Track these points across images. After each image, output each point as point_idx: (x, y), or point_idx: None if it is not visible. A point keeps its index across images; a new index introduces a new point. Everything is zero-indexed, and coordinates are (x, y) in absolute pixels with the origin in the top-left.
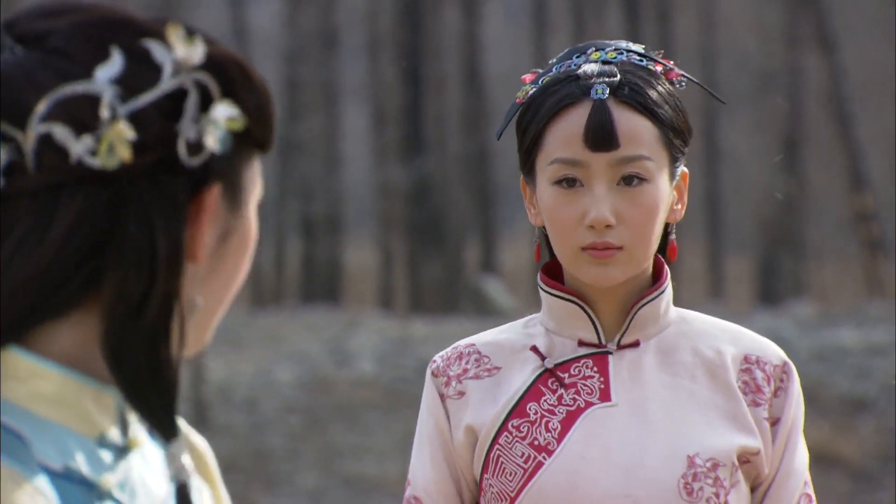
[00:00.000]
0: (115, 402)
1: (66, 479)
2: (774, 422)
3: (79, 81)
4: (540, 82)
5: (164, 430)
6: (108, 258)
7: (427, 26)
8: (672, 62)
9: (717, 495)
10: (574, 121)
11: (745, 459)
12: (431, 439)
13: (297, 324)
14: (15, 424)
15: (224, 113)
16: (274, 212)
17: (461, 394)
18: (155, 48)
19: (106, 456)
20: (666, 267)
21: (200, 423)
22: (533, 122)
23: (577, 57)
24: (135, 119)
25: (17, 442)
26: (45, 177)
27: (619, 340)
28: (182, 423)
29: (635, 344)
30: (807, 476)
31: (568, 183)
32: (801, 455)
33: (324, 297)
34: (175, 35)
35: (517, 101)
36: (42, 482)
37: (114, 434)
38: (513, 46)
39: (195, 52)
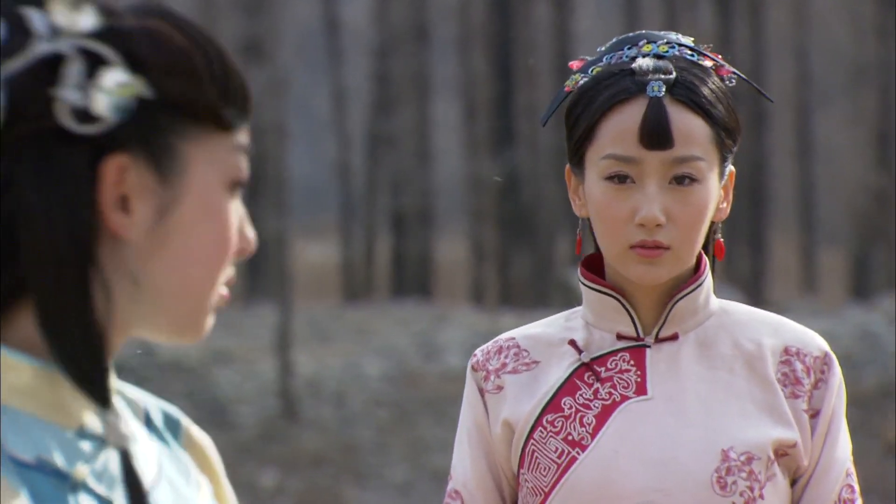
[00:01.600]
0: None
1: (37, 470)
2: (814, 414)
3: None
4: (590, 72)
5: (97, 398)
6: (20, 231)
7: (518, 19)
8: (720, 57)
9: (752, 489)
10: (629, 117)
11: (783, 452)
12: (471, 434)
13: (386, 318)
14: None
15: (114, 80)
16: (364, 206)
17: (499, 388)
18: (31, 15)
19: (85, 447)
20: (705, 259)
21: (289, 417)
22: (585, 114)
23: (629, 48)
24: (9, 85)
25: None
26: None
27: (657, 334)
28: (179, 415)
29: (674, 337)
30: (849, 466)
31: (619, 179)
32: (843, 446)
33: (414, 291)
34: (60, 3)
35: (566, 89)
36: (6, 474)
37: (94, 425)
38: (604, 39)
39: (81, 19)
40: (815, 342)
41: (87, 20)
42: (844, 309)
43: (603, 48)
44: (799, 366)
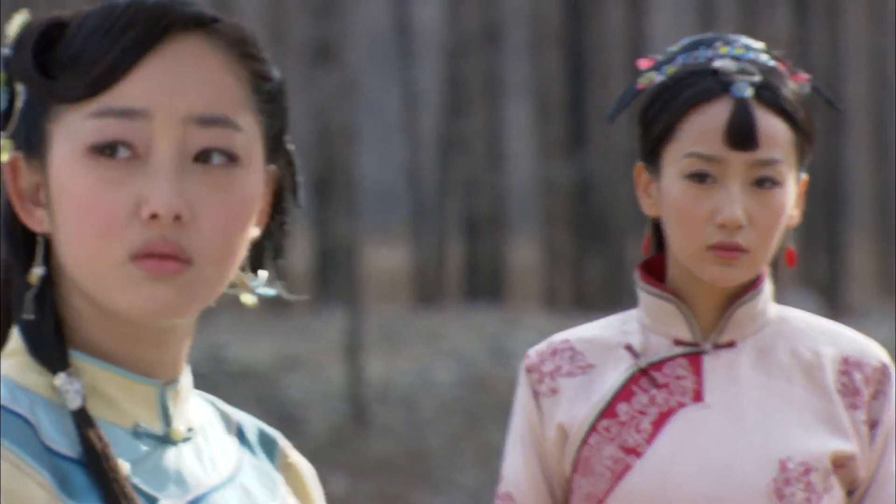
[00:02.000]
0: (156, 393)
1: (76, 463)
2: (873, 425)
3: None
4: (664, 71)
5: (48, 363)
6: None
7: (591, 21)
8: (790, 63)
9: (809, 500)
10: (713, 116)
11: (841, 464)
12: (524, 436)
13: (457, 322)
14: (22, 409)
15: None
16: (435, 209)
17: (554, 391)
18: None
19: (136, 444)
20: (765, 266)
21: (359, 423)
22: (664, 112)
23: (704, 49)
24: None
25: (24, 427)
26: None
27: (715, 340)
28: (278, 437)
29: (731, 344)
30: None
31: (701, 178)
32: None
33: (485, 296)
34: None
35: (639, 87)
36: (40, 470)
37: (151, 424)
38: (679, 41)
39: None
40: (874, 352)
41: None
42: None
43: (674, 48)
44: (858, 376)
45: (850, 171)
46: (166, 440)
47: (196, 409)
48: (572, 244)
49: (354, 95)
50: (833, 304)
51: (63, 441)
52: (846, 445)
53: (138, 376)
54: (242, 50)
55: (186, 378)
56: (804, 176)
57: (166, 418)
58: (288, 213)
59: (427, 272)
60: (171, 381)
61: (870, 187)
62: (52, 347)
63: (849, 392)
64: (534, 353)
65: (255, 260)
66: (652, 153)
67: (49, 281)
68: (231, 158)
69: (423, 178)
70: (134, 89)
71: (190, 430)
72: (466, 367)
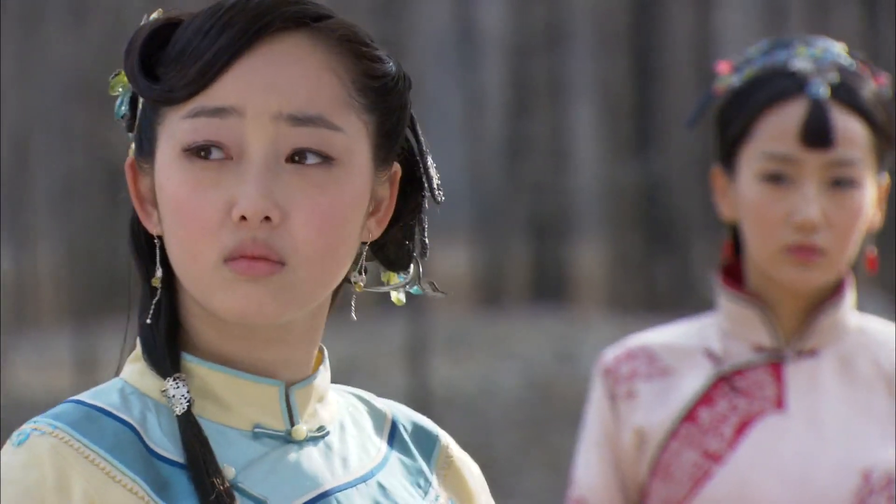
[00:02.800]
0: (279, 393)
1: (180, 466)
2: None
3: None
4: (741, 74)
5: (157, 368)
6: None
7: (659, 21)
8: (871, 65)
9: None
10: (789, 116)
11: None
12: (598, 440)
13: (523, 326)
14: (131, 415)
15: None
16: (500, 211)
17: (631, 395)
18: None
19: (251, 447)
20: (849, 273)
21: None
22: (740, 113)
23: (782, 51)
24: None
25: (122, 432)
26: None
27: (797, 347)
28: (441, 434)
29: (813, 352)
30: None
31: (776, 179)
32: None
33: (552, 299)
34: None
35: (716, 91)
36: (134, 476)
37: (274, 424)
38: (747, 42)
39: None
40: None
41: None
42: None
43: (752, 51)
44: None
45: None
46: (289, 440)
47: (334, 406)
48: (639, 247)
49: (418, 96)
50: None
51: (170, 446)
52: None
53: (258, 377)
54: (349, 48)
55: (321, 377)
56: (885, 178)
57: (292, 418)
58: (420, 210)
59: (491, 275)
60: (298, 380)
61: None
62: (163, 352)
63: None
64: (610, 356)
65: (397, 258)
66: (728, 155)
67: (166, 284)
68: (326, 158)
69: (488, 179)
70: (226, 88)
71: (321, 428)
72: (532, 371)
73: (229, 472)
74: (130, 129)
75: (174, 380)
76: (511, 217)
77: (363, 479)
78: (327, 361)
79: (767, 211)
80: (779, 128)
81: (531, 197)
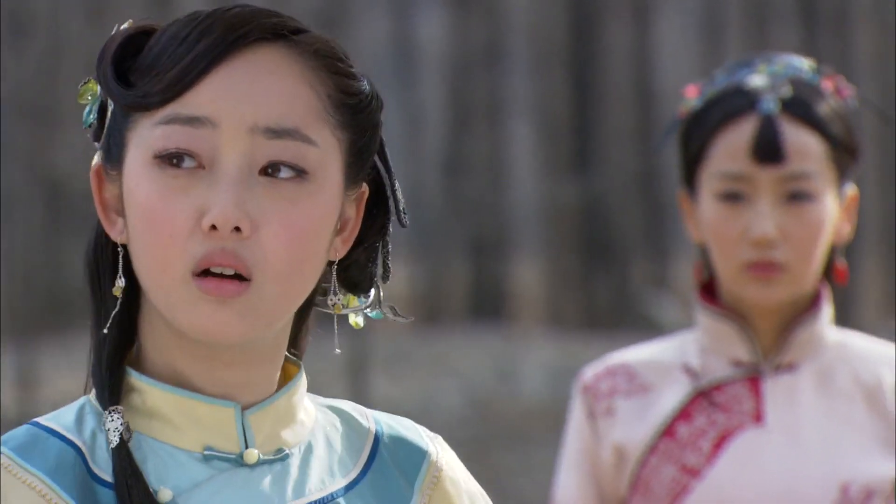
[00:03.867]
0: (234, 415)
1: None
2: None
3: None
4: (704, 95)
5: (99, 399)
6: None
7: (596, 39)
8: (842, 77)
9: None
10: (740, 134)
11: None
12: (578, 458)
13: (462, 344)
14: (80, 436)
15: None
16: (440, 229)
17: (610, 411)
18: None
19: (200, 469)
20: (826, 287)
21: None
22: (697, 135)
23: (744, 70)
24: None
25: (67, 454)
26: None
27: (775, 361)
28: (433, 451)
29: (791, 366)
30: None
31: (732, 197)
32: None
33: (490, 317)
34: None
35: (679, 115)
36: (69, 500)
37: (227, 446)
38: (685, 60)
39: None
40: None
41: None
42: None
43: (718, 72)
44: None
45: (864, 190)
46: (241, 463)
47: (307, 425)
48: (578, 265)
49: None
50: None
51: (111, 468)
52: None
53: (213, 399)
54: (325, 63)
55: (285, 396)
56: (853, 190)
57: (245, 441)
58: (385, 233)
59: (431, 292)
60: (258, 401)
61: (877, 208)
62: (104, 381)
63: None
64: (589, 373)
65: (359, 280)
66: (689, 177)
67: (125, 296)
68: (300, 172)
69: (426, 197)
70: (201, 97)
71: (279, 450)
72: (472, 389)
73: (166, 494)
74: (97, 137)
75: (110, 412)
76: (450, 235)
77: (320, 503)
78: (301, 379)
79: (725, 230)
80: (731, 146)
81: (470, 215)
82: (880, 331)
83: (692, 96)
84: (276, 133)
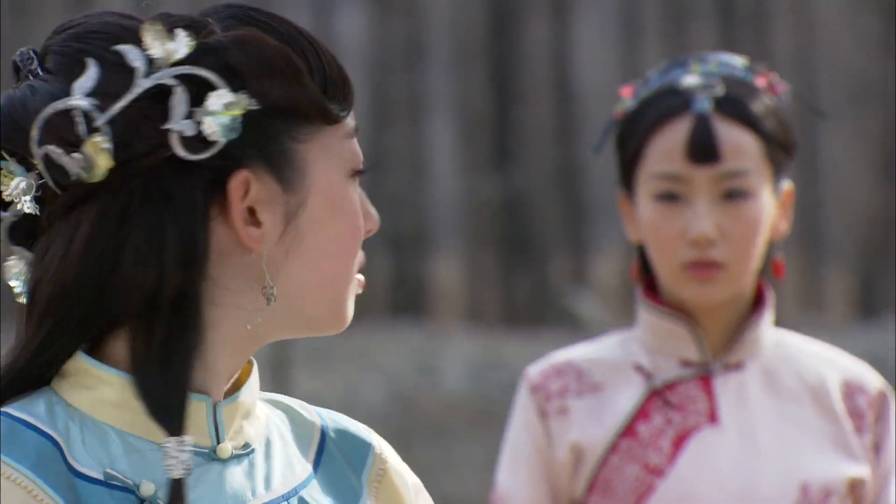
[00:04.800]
0: (206, 409)
1: (103, 485)
2: (876, 449)
3: (60, 99)
4: (639, 96)
5: (167, 425)
6: (123, 266)
7: (515, 36)
8: (775, 74)
9: None
10: (675, 134)
11: (854, 489)
12: (529, 458)
13: (384, 340)
14: (54, 429)
15: (220, 102)
16: None
17: (564, 411)
18: (128, 51)
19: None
20: (769, 285)
21: None
22: (633, 136)
23: (678, 69)
24: (116, 126)
25: (47, 449)
26: (69, 195)
27: (724, 360)
28: (376, 444)
29: (739, 365)
30: None
31: (669, 198)
32: None
33: (411, 313)
34: (151, 34)
35: (615, 115)
36: (53, 494)
37: (201, 440)
38: (603, 58)
39: (176, 48)
40: (871, 377)
41: (181, 46)
42: (849, 329)
43: (650, 72)
44: (861, 400)
45: None
46: (214, 458)
47: (262, 421)
48: (498, 261)
49: None
50: None
51: (92, 462)
52: (860, 470)
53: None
54: None
55: (248, 392)
56: (789, 185)
57: (218, 435)
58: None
59: None
60: (227, 396)
61: (798, 202)
62: (175, 406)
63: (856, 416)
64: (536, 372)
65: None
66: (627, 178)
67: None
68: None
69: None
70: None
71: (246, 445)
72: (394, 384)
73: (149, 488)
74: (198, 150)
75: (178, 441)
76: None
77: (285, 497)
78: (256, 374)
79: (663, 230)
80: (666, 147)
81: (390, 211)
82: (799, 324)
83: (627, 96)
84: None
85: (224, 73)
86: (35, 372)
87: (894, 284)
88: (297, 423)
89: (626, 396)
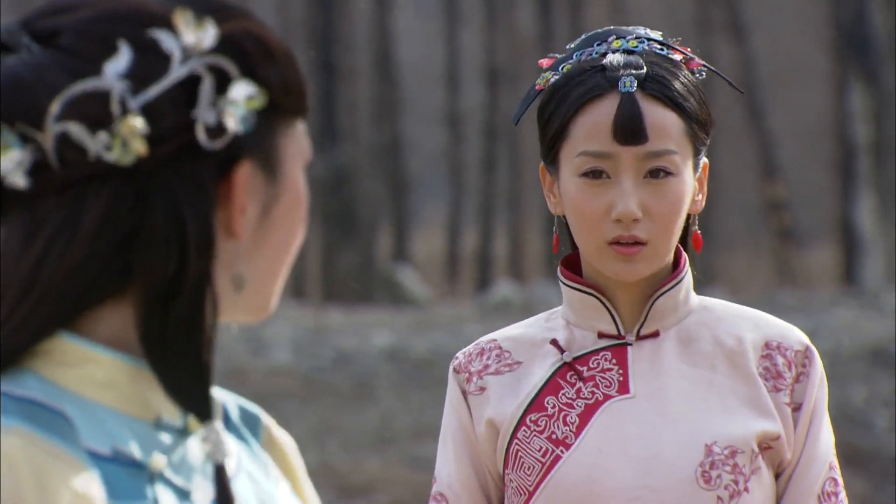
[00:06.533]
0: None
1: (113, 462)
2: (796, 407)
3: (89, 79)
4: (560, 70)
5: (197, 411)
6: (138, 248)
7: (338, 15)
8: (689, 49)
9: (737, 482)
10: (602, 113)
11: (767, 446)
12: (455, 436)
13: None
14: (60, 406)
15: (243, 93)
16: None
17: (482, 389)
18: (163, 37)
19: (164, 438)
20: (685, 255)
21: None
22: (558, 112)
23: (598, 45)
24: (147, 111)
25: (63, 423)
26: (69, 173)
27: (638, 331)
28: (259, 412)
29: (655, 334)
30: (832, 460)
31: (594, 175)
32: (826, 439)
33: None
34: (183, 21)
35: (537, 87)
36: (88, 464)
37: (173, 417)
38: (424, 37)
39: (206, 36)
40: (796, 336)
41: (210, 36)
42: None
43: (572, 45)
44: (780, 360)
45: None
46: (185, 432)
47: (217, 400)
48: (322, 237)
49: None
50: None
51: (96, 439)
52: (771, 426)
53: None
54: None
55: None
56: (705, 161)
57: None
58: None
59: None
60: None
61: None
62: (203, 392)
63: (771, 375)
64: (461, 354)
65: None
66: (550, 153)
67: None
68: None
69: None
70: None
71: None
72: (225, 359)
73: (160, 461)
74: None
75: (208, 427)
76: None
77: (239, 468)
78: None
79: (588, 207)
80: (593, 125)
81: None
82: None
83: (546, 67)
84: None
85: (241, 67)
86: (8, 351)
87: (705, 260)
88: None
89: (540, 371)
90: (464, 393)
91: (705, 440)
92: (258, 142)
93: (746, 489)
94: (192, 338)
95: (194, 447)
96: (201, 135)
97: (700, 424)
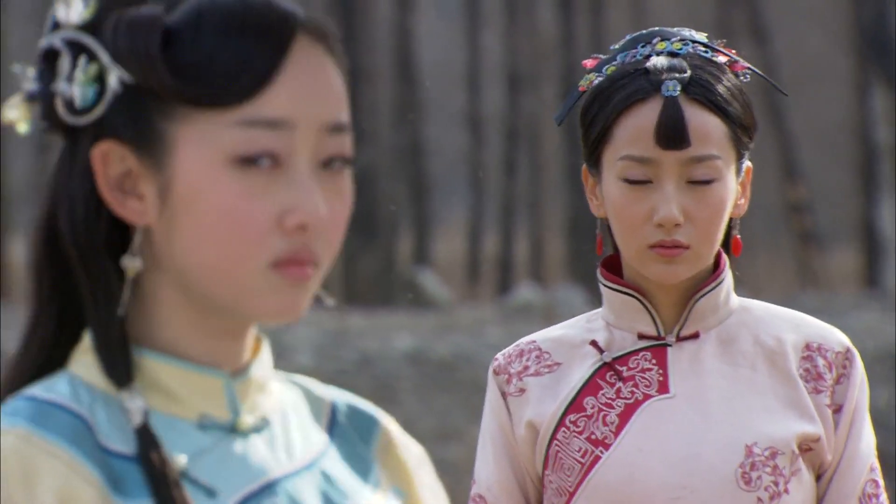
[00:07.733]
0: (223, 384)
1: (131, 460)
2: (837, 409)
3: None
4: (604, 71)
5: (113, 378)
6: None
7: (359, 17)
8: (735, 52)
9: (776, 483)
10: (645, 117)
11: (807, 447)
12: (494, 438)
13: None
14: (82, 408)
15: (86, 70)
16: None
17: (522, 391)
18: (57, 9)
19: (199, 437)
20: (725, 257)
21: None
22: (601, 115)
23: (642, 47)
24: (35, 83)
25: (78, 425)
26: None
27: (679, 332)
28: (381, 417)
29: (695, 335)
30: (873, 462)
31: (637, 180)
32: (867, 441)
33: None
34: None
35: (580, 89)
36: (90, 465)
37: (219, 415)
38: (445, 39)
39: (72, 12)
40: (836, 337)
41: (77, 12)
42: None
43: (616, 46)
44: (821, 361)
45: None
46: (234, 430)
47: (275, 396)
48: (344, 240)
49: None
50: None
51: (119, 439)
52: (811, 428)
53: (203, 367)
54: (338, 49)
55: (259, 367)
56: (749, 164)
57: (235, 408)
58: None
59: None
60: (240, 370)
61: None
62: (120, 359)
63: (812, 377)
64: (501, 356)
65: None
66: (592, 156)
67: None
68: (347, 163)
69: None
70: (279, 98)
71: (263, 418)
72: None
73: (180, 460)
74: (83, 115)
75: (131, 392)
76: None
77: (307, 468)
78: (267, 350)
79: (630, 211)
80: (636, 129)
81: None
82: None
83: (590, 68)
84: (338, 129)
85: (111, 47)
86: (52, 348)
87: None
88: (310, 398)
89: (580, 372)
90: (503, 394)
91: (746, 441)
92: (128, 122)
93: (787, 490)
94: (98, 312)
95: (241, 446)
96: (61, 109)
97: (740, 425)
